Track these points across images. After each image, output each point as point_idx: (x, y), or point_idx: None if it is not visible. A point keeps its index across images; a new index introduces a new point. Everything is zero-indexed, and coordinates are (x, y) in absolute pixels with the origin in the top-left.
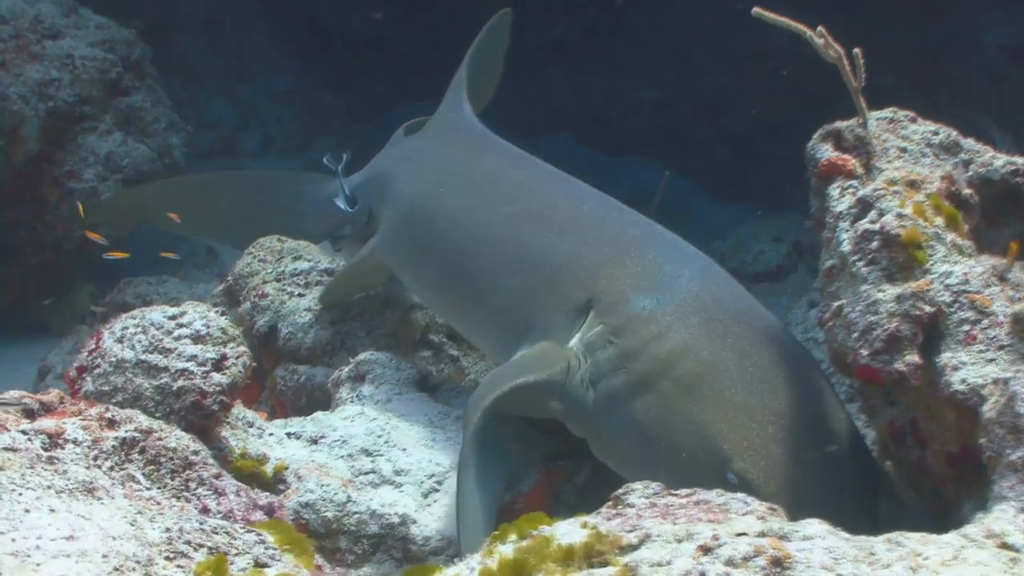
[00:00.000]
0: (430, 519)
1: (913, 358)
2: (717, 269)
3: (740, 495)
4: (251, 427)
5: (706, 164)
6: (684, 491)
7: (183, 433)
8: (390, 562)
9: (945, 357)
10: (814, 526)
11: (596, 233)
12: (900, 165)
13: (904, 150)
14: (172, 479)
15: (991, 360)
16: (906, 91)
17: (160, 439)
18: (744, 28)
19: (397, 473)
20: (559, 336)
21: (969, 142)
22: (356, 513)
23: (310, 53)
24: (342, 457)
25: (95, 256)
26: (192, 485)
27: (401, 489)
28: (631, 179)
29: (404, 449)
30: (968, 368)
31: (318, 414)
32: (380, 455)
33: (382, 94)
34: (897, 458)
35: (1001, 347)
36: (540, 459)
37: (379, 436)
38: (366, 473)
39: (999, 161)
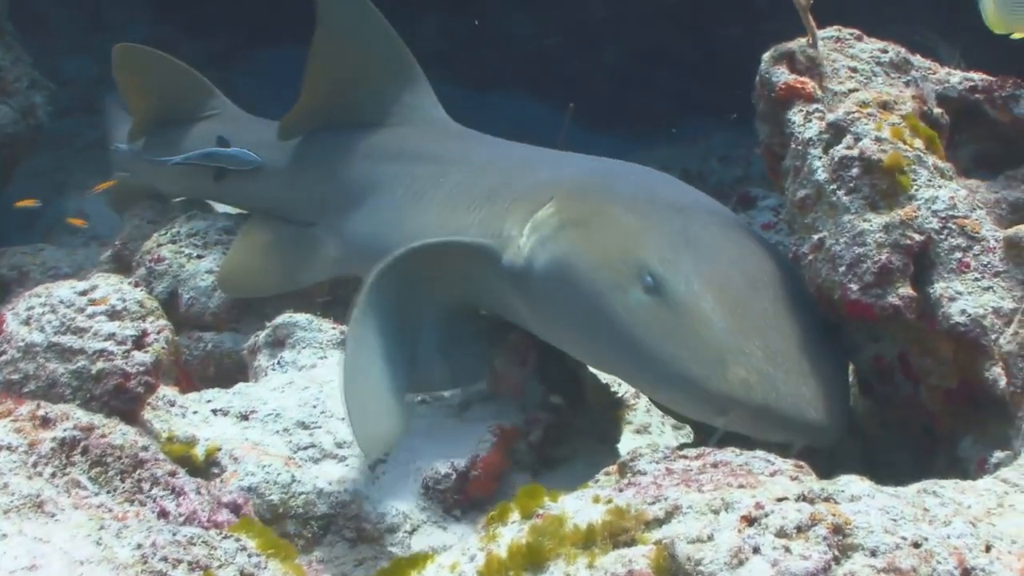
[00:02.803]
0: (382, 493)
1: (907, 290)
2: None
3: (759, 453)
4: (173, 406)
5: (582, 96)
6: (693, 452)
7: (127, 427)
8: (342, 543)
9: (939, 288)
10: (856, 483)
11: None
12: (853, 86)
13: (854, 70)
14: (122, 481)
15: (988, 288)
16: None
17: (104, 436)
18: None
19: (339, 446)
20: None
21: (919, 59)
22: (303, 494)
23: (174, 5)
24: (277, 432)
25: None
26: (146, 486)
27: (345, 463)
28: (513, 113)
29: (342, 419)
30: (966, 298)
31: (242, 386)
32: (318, 427)
33: (241, 38)
34: (884, 395)
35: (996, 274)
36: (491, 421)
37: (314, 406)
38: (305, 448)
39: (955, 78)
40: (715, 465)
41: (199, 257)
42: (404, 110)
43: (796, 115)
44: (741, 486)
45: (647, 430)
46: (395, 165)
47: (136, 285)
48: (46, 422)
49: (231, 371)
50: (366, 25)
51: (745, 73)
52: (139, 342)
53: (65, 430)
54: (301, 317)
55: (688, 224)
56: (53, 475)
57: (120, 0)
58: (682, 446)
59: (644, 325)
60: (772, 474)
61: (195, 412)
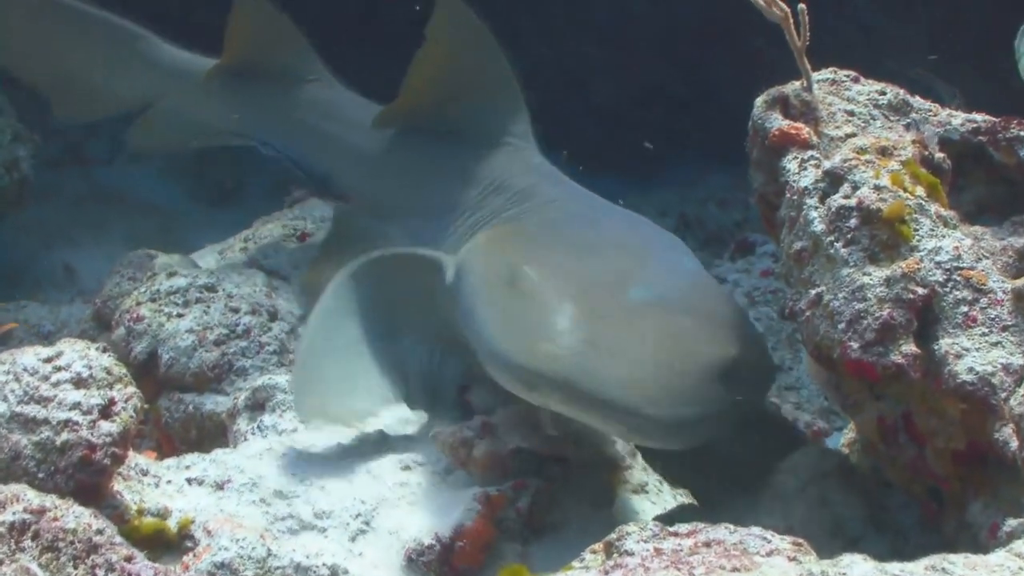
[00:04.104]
0: (363, 566)
1: (910, 348)
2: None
3: (755, 530)
4: (146, 475)
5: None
6: (685, 528)
7: (82, 509)
8: None
9: (945, 344)
10: (859, 564)
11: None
12: (851, 131)
13: (852, 113)
14: (75, 567)
15: (996, 344)
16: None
17: (56, 519)
18: None
19: (318, 516)
20: None
21: (919, 100)
22: (279, 568)
23: None
24: (254, 503)
25: None
26: (100, 573)
27: (325, 534)
28: None
29: (322, 487)
30: (973, 355)
31: (219, 453)
32: (296, 496)
33: None
34: (888, 457)
35: (1005, 328)
36: (479, 489)
37: (292, 474)
38: (283, 519)
39: (956, 119)
40: (707, 544)
41: (179, 316)
42: (496, 133)
43: (791, 163)
44: (735, 569)
45: (644, 489)
46: (472, 189)
47: (106, 350)
48: None
49: (213, 433)
50: (476, 42)
51: (741, 113)
52: (106, 411)
53: (15, 513)
54: (281, 379)
55: (589, 247)
56: (0, 562)
57: None
58: (681, 508)
59: (492, 308)
60: (768, 553)
61: (169, 482)
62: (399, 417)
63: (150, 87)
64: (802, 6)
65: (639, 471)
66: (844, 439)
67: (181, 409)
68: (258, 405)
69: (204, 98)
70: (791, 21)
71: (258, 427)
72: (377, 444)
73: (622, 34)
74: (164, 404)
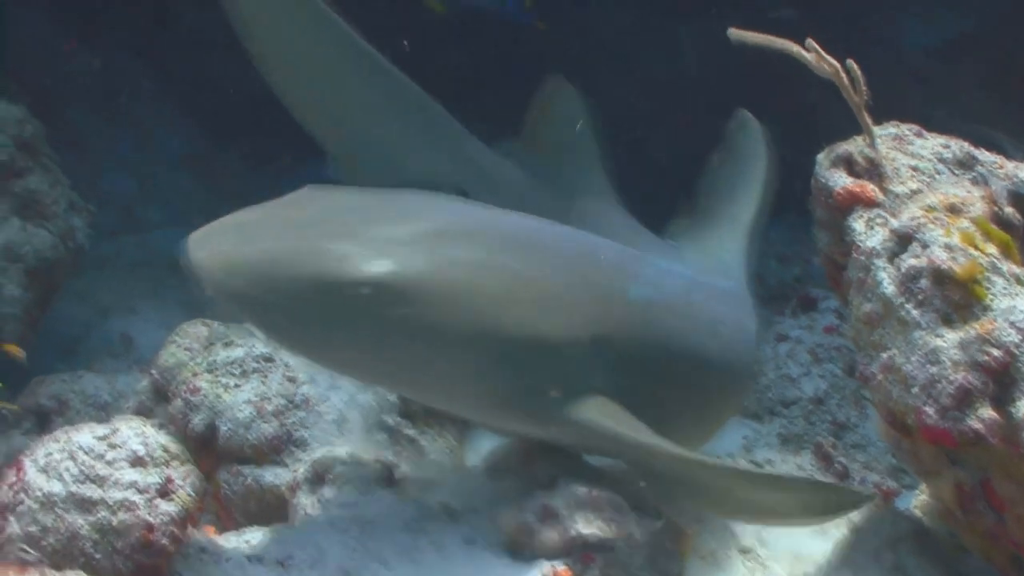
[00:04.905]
0: None
1: (988, 412)
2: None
3: None
4: (204, 553)
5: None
6: None
7: None
8: None
9: (1023, 407)
10: None
11: None
12: (916, 187)
13: (916, 169)
14: None
15: None
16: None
17: None
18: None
19: None
20: None
21: (984, 154)
22: None
23: (204, 114)
24: None
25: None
26: None
27: None
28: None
29: (386, 562)
30: None
31: (280, 527)
32: (359, 573)
33: (284, 152)
34: (966, 524)
35: None
36: (546, 565)
37: (355, 550)
38: None
39: None
40: None
41: (237, 387)
42: (587, 196)
43: (857, 222)
44: None
45: (712, 556)
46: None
47: (163, 426)
48: None
49: (273, 506)
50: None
51: (796, 167)
52: (164, 490)
53: None
54: (340, 451)
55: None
56: None
57: (158, 115)
58: None
59: None
60: None
61: (228, 559)
62: (461, 486)
63: (445, 170)
64: (851, 62)
65: (707, 537)
66: (916, 501)
67: (240, 482)
68: (318, 477)
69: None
70: (843, 76)
71: (319, 500)
72: (440, 516)
73: (675, 89)
74: (223, 477)
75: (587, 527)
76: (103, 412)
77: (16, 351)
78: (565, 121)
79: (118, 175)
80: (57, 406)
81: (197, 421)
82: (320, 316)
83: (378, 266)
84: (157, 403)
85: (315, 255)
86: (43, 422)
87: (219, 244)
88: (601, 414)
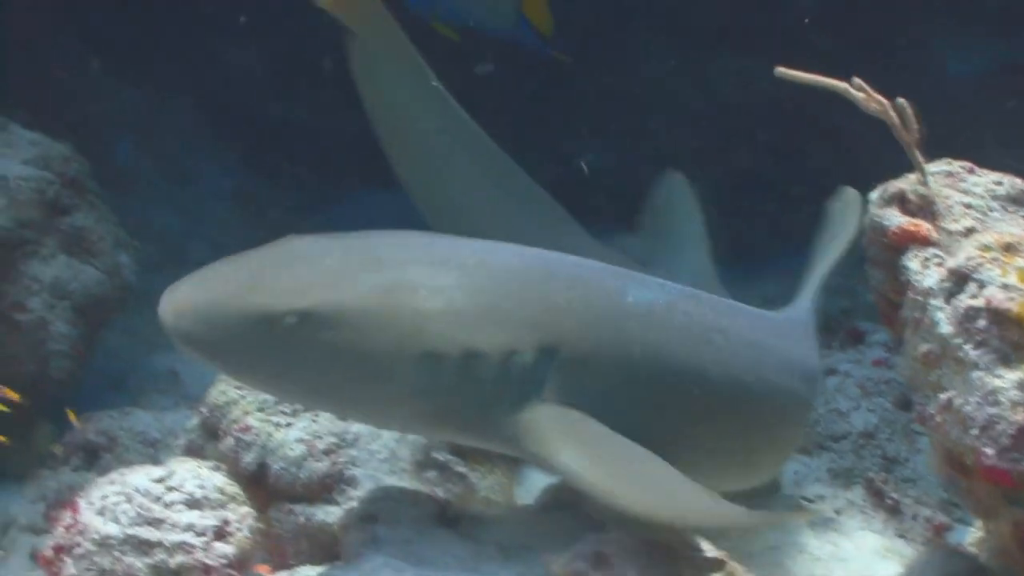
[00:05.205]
0: None
1: None
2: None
3: None
4: None
5: None
6: None
7: None
8: None
9: None
10: None
11: None
12: (970, 224)
13: (969, 206)
14: None
15: None
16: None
17: None
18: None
19: None
20: None
21: None
22: None
23: (250, 149)
24: None
25: (50, 391)
26: None
27: None
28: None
29: None
30: None
31: (332, 568)
32: None
33: (328, 186)
34: None
35: None
36: None
37: None
38: None
39: None
40: None
41: (288, 426)
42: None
43: (913, 261)
44: None
45: None
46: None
47: (217, 467)
48: None
49: (325, 545)
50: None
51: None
52: (221, 532)
53: None
54: (393, 489)
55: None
56: None
57: (203, 151)
58: None
59: None
60: None
61: None
62: (514, 524)
63: None
64: (901, 100)
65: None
66: (972, 538)
67: (292, 520)
68: (370, 516)
69: None
70: (892, 113)
71: (372, 540)
72: (495, 555)
73: (716, 122)
74: (275, 515)
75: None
76: (152, 449)
77: (11, 393)
78: (677, 212)
79: (164, 211)
80: (106, 442)
81: (248, 460)
82: (260, 351)
83: (302, 296)
84: (207, 441)
85: (248, 293)
86: (92, 458)
87: (177, 292)
88: (549, 422)
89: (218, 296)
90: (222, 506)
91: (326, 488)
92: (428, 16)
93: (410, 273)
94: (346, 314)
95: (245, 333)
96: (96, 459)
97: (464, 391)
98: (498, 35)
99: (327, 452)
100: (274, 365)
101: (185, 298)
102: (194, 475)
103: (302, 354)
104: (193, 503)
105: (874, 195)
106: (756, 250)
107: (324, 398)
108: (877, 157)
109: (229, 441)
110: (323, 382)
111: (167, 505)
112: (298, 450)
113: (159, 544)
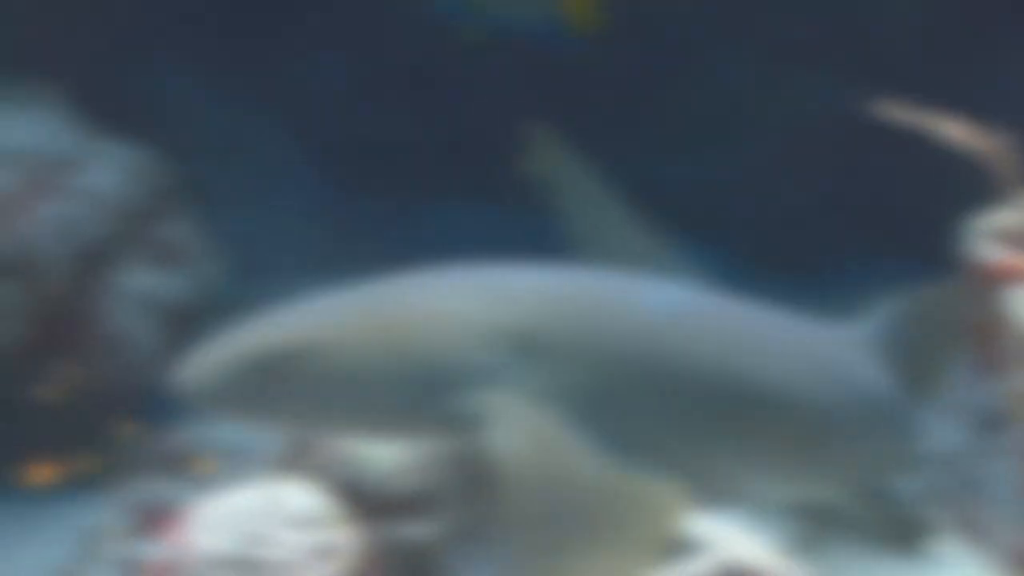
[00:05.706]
0: None
1: None
2: None
3: None
4: None
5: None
6: None
7: None
8: None
9: None
10: None
11: None
12: None
13: None
14: None
15: None
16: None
17: None
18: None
19: None
20: None
21: None
22: None
23: (333, 165)
24: None
25: (135, 400)
26: None
27: None
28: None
29: None
30: None
31: None
32: None
33: (409, 199)
34: None
35: None
36: None
37: None
38: None
39: None
40: None
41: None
42: None
43: (1015, 297)
44: None
45: None
46: None
47: (321, 489)
48: None
49: (419, 562)
50: None
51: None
52: (326, 553)
53: None
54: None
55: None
56: None
57: (287, 167)
58: None
59: None
60: None
61: None
62: None
63: None
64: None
65: None
66: None
67: (385, 536)
68: (467, 533)
69: None
70: (993, 151)
71: (465, 556)
72: None
73: (801, 137)
74: (368, 531)
75: None
76: (240, 461)
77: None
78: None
79: (250, 223)
80: (192, 453)
81: (341, 474)
82: (270, 391)
83: (292, 334)
84: (298, 455)
85: (250, 341)
86: (179, 469)
87: (188, 366)
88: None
89: (223, 356)
90: (325, 524)
91: (421, 506)
92: (457, 19)
93: (407, 296)
94: (329, 342)
95: (244, 382)
96: (183, 470)
97: (426, 384)
98: (527, 34)
99: (419, 467)
100: (284, 403)
101: (194, 372)
102: (297, 493)
103: (303, 386)
104: (296, 521)
105: (973, 227)
106: (837, 266)
107: (335, 422)
108: (970, 178)
109: (322, 455)
110: (333, 407)
111: (271, 523)
112: (391, 464)
113: (264, 563)
